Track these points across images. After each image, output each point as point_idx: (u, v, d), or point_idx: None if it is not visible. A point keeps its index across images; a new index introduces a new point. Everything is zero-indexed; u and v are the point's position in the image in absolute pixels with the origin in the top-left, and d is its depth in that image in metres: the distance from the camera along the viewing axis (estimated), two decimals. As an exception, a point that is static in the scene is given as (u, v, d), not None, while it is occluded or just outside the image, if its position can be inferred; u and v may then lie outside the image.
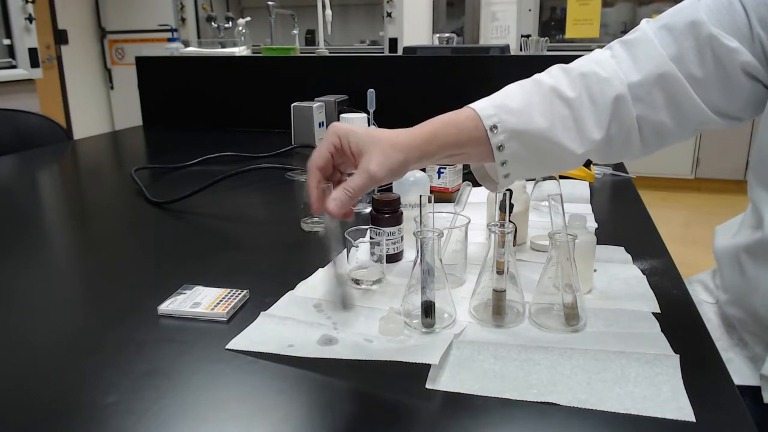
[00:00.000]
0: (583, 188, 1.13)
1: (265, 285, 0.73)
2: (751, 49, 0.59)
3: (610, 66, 0.63)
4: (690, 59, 0.61)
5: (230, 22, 3.91)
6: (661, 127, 0.63)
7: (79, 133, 4.28)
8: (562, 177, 1.13)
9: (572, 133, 0.63)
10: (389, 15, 4.28)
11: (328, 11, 2.35)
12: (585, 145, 0.63)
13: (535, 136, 0.62)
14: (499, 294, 0.63)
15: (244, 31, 3.01)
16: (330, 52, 2.33)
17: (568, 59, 0.68)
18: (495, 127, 0.62)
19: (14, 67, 3.50)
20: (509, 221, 0.62)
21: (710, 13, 0.61)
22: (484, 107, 0.63)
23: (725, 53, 0.59)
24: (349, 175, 0.62)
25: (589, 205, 1.04)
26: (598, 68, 0.63)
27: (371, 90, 1.27)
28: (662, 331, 0.61)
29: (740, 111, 0.63)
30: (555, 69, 0.66)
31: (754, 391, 0.73)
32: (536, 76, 0.66)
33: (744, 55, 0.59)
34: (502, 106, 0.62)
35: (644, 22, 0.65)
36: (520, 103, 0.63)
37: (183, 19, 4.54)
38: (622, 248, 0.82)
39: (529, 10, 4.30)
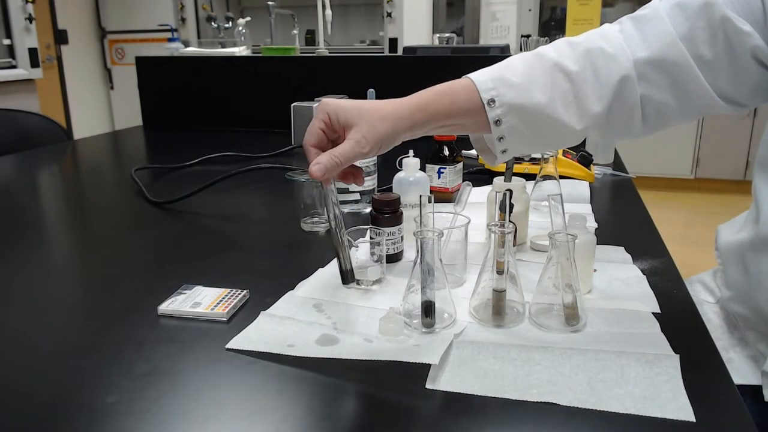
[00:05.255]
0: (583, 188, 1.13)
1: (265, 285, 0.73)
2: (764, 34, 0.58)
3: (617, 42, 0.62)
4: (701, 40, 0.59)
5: (230, 22, 3.91)
6: (664, 108, 0.62)
7: (79, 133, 4.28)
8: (562, 177, 1.13)
9: (572, 108, 0.62)
10: (389, 15, 4.27)
11: (328, 11, 2.35)
12: (584, 120, 0.62)
13: (533, 111, 0.61)
14: (499, 294, 0.63)
15: (244, 31, 3.01)
16: (330, 52, 2.33)
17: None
18: (492, 101, 0.61)
19: (14, 67, 3.50)
20: (509, 221, 0.62)
21: None
22: (483, 80, 0.62)
23: (737, 36, 0.58)
24: None
25: (589, 205, 1.04)
26: (605, 44, 0.62)
27: (371, 90, 1.27)
28: (662, 331, 0.61)
29: (746, 98, 0.62)
30: (560, 42, 0.64)
31: (754, 391, 0.73)
32: (540, 48, 0.64)
33: (756, 39, 0.58)
34: (502, 79, 0.61)
35: None
36: (521, 76, 0.61)
37: (183, 19, 4.54)
38: (622, 248, 0.82)
39: (529, 10, 4.30)
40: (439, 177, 1.04)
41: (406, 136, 0.62)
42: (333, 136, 0.63)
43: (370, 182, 1.02)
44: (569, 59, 0.62)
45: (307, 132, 0.62)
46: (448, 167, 1.04)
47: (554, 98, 0.61)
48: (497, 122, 0.62)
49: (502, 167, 1.12)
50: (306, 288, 0.72)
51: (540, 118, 0.62)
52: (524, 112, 0.61)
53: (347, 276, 0.63)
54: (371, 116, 0.60)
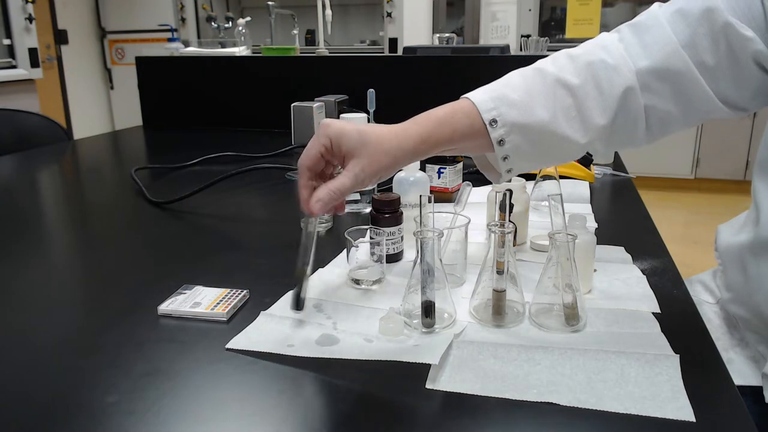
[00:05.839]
0: (583, 188, 1.13)
1: (265, 285, 0.73)
2: (765, 39, 0.58)
3: (618, 52, 0.61)
4: (703, 47, 0.59)
5: (230, 22, 3.92)
6: (667, 116, 0.62)
7: (79, 133, 4.28)
8: (562, 177, 1.13)
9: (576, 123, 0.61)
10: (389, 15, 4.28)
11: (328, 11, 2.35)
12: (589, 134, 0.61)
13: (536, 129, 0.60)
14: (499, 294, 0.63)
15: (244, 31, 3.01)
16: (330, 52, 2.33)
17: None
18: (494, 121, 0.60)
19: (14, 67, 3.50)
20: (509, 221, 0.62)
21: (726, 0, 0.59)
22: (483, 100, 0.61)
23: (739, 42, 0.58)
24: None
25: (589, 205, 1.04)
26: (605, 55, 0.61)
27: (371, 90, 1.27)
28: (662, 331, 0.61)
29: (747, 102, 0.62)
30: (560, 56, 0.63)
31: (754, 391, 0.73)
32: (540, 63, 0.63)
33: (758, 44, 0.57)
34: (502, 98, 0.61)
35: (656, 5, 0.63)
36: (521, 94, 0.61)
37: (183, 19, 4.54)
38: (622, 248, 0.82)
39: (529, 10, 4.30)
40: (439, 177, 1.04)
41: (406, 163, 0.62)
42: (330, 157, 0.62)
43: (370, 182, 1.01)
44: (570, 73, 0.61)
45: (305, 153, 0.61)
46: (448, 167, 1.04)
47: (557, 114, 0.60)
48: (500, 142, 0.61)
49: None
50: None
51: (544, 135, 0.61)
52: (527, 130, 0.60)
53: (301, 303, 0.63)
54: (374, 148, 0.59)
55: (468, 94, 0.62)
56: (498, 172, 0.66)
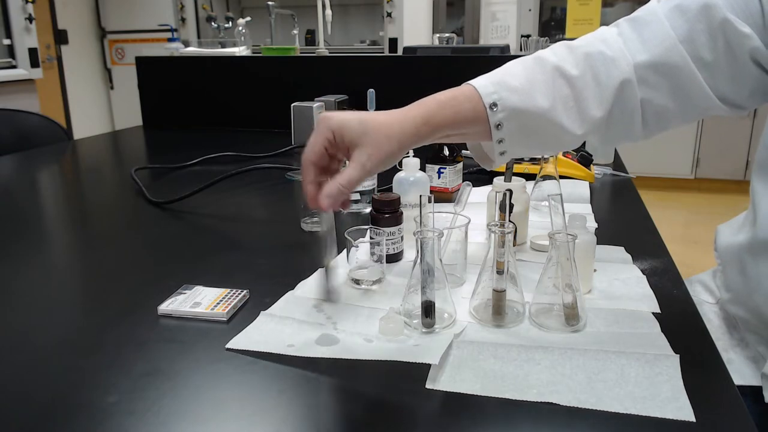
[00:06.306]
0: (583, 188, 1.13)
1: (265, 285, 0.73)
2: (762, 36, 0.58)
3: (617, 45, 0.62)
4: (701, 42, 0.59)
5: (230, 22, 3.92)
6: (664, 111, 0.62)
7: (79, 133, 4.28)
8: (562, 177, 1.13)
9: (573, 113, 0.61)
10: (389, 15, 4.28)
11: (328, 11, 2.35)
12: (585, 125, 0.62)
13: (535, 116, 0.61)
14: (499, 294, 0.63)
15: (244, 31, 3.01)
16: (330, 52, 2.33)
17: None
18: (495, 104, 0.60)
19: (14, 67, 3.50)
20: (509, 221, 0.62)
21: None
22: (484, 84, 0.61)
23: (737, 38, 0.58)
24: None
25: (589, 205, 1.04)
26: (604, 47, 0.61)
27: (371, 90, 1.28)
28: (662, 331, 0.61)
29: (745, 99, 0.62)
30: (559, 47, 0.64)
31: (754, 391, 0.73)
32: (539, 52, 0.64)
33: (755, 41, 0.58)
34: (503, 84, 0.61)
35: (654, 1, 0.64)
36: (522, 81, 0.61)
37: (183, 19, 4.54)
38: (622, 248, 0.82)
39: (529, 10, 4.31)
40: (439, 177, 1.04)
41: (411, 147, 0.61)
42: (335, 151, 0.61)
43: (369, 182, 1.02)
44: (569, 63, 0.61)
45: (308, 148, 0.60)
46: (448, 167, 1.04)
47: (556, 103, 0.61)
48: (498, 126, 0.61)
49: (502, 167, 1.13)
50: (306, 288, 0.72)
51: (541, 123, 0.61)
52: (526, 116, 0.61)
53: (334, 294, 0.63)
54: (377, 135, 0.58)
55: (469, 81, 0.62)
56: (493, 161, 0.65)
